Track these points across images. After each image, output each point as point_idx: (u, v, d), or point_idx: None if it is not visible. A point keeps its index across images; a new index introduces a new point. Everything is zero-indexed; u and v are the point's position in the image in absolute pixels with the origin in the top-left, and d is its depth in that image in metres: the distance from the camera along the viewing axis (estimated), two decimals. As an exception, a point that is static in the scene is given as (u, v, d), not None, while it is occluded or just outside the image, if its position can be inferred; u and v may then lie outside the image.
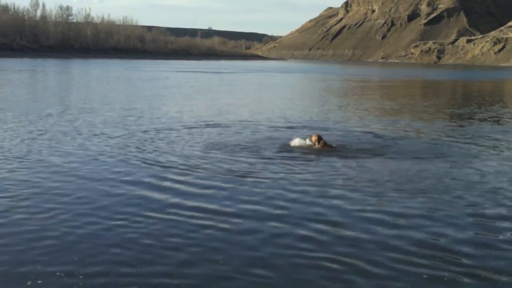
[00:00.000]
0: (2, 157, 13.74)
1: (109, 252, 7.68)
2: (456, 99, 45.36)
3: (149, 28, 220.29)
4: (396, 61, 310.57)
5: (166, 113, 24.93)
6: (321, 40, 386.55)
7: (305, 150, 15.39)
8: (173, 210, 9.67)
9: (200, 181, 11.80)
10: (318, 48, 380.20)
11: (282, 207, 10.05)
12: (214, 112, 25.81)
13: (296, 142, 16.03)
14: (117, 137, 17.39)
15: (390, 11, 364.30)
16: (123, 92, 37.65)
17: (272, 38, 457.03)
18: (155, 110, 26.10)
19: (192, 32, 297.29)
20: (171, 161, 13.81)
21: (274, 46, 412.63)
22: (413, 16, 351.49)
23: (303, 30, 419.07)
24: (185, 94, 38.10)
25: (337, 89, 50.73)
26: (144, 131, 18.60)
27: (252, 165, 13.53)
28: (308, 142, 15.81)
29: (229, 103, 31.73)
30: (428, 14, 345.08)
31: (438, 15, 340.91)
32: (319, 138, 15.77)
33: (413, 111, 30.68)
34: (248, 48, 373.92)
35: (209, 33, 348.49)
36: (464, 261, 7.69)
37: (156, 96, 35.01)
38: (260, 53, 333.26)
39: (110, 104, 28.44)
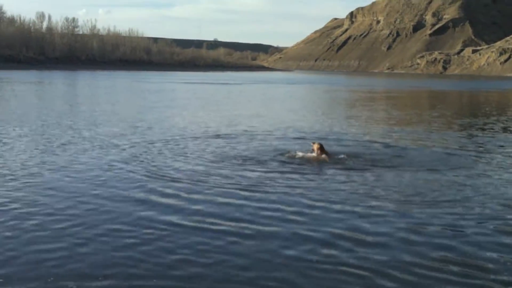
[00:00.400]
0: (12, 170, 13.69)
1: (122, 264, 7.55)
2: (464, 109, 45.16)
3: (155, 39, 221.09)
4: (402, 71, 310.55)
5: (177, 124, 24.93)
6: (326, 51, 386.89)
7: (310, 161, 15.35)
8: (180, 222, 9.57)
9: (208, 193, 11.69)
10: (324, 59, 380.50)
11: (291, 216, 9.93)
12: (224, 123, 25.72)
13: (299, 153, 16.03)
14: (130, 147, 17.46)
15: (395, 22, 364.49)
16: (134, 104, 37.71)
17: (278, 49, 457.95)
18: (165, 121, 26.10)
19: (198, 44, 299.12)
20: (181, 172, 13.73)
21: (280, 57, 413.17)
22: (418, 26, 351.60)
23: (309, 41, 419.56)
24: (194, 105, 38.25)
25: (345, 100, 50.60)
26: (153, 142, 18.55)
27: (257, 177, 13.39)
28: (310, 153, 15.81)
29: (239, 114, 31.68)
30: (433, 25, 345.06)
31: (443, 25, 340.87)
32: (321, 147, 15.72)
33: (422, 121, 30.46)
34: (254, 59, 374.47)
35: (214, 45, 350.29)
36: (490, 271, 7.59)
37: (166, 107, 35.04)
38: (266, 64, 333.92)
39: (122, 115, 28.52)
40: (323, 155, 15.57)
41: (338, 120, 29.18)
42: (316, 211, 10.39)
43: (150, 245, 8.31)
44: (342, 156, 16.05)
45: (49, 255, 7.84)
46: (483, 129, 26.33)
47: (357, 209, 10.61)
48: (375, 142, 19.95)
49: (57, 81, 72.66)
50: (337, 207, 10.74)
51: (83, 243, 8.35)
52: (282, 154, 16.35)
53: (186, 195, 11.39)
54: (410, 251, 8.28)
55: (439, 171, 14.51)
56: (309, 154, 15.78)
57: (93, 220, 9.57)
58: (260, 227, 9.30)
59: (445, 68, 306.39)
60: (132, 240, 8.52)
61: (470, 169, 14.86)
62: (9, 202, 10.63)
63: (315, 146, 15.75)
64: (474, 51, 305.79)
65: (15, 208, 10.20)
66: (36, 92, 49.58)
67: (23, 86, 54.90)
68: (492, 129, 26.47)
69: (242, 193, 11.70)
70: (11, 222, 9.34)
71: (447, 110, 41.21)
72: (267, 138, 20.45)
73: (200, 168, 14.22)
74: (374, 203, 11.07)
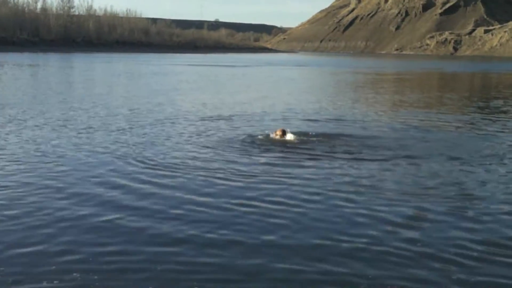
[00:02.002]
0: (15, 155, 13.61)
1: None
2: (479, 91, 44.86)
3: (154, 20, 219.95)
4: (411, 52, 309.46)
5: (188, 106, 25.49)
6: (332, 32, 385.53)
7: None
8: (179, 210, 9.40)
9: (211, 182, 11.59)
10: (330, 40, 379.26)
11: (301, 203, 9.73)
12: (238, 105, 26.33)
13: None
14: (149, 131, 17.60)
15: (404, 1, 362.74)
16: (140, 87, 37.53)
17: (282, 30, 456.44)
18: (176, 104, 26.61)
19: (199, 25, 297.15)
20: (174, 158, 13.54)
21: (284, 38, 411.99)
22: (428, 5, 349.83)
23: (314, 21, 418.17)
24: (204, 88, 38.84)
25: (353, 82, 50.29)
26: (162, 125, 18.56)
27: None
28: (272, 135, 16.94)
29: (249, 97, 32.07)
30: (444, 4, 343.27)
31: (454, 4, 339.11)
32: (283, 132, 16.76)
33: (437, 104, 30.21)
34: (256, 40, 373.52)
35: (216, 25, 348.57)
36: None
37: (174, 90, 35.66)
38: (269, 46, 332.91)
39: (133, 99, 28.63)
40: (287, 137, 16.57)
41: (353, 104, 29.00)
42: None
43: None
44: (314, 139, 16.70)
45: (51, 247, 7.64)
46: (505, 112, 26.07)
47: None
48: (400, 125, 20.18)
49: (53, 64, 72.26)
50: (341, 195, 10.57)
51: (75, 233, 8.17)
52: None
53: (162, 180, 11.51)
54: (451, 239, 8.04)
55: (460, 159, 14.30)
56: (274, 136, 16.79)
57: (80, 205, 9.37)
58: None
59: (456, 49, 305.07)
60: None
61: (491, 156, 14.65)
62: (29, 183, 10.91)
63: (278, 132, 16.78)
64: (486, 31, 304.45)
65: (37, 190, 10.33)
66: (36, 75, 49.27)
67: (21, 70, 54.48)
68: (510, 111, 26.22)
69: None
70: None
71: (461, 92, 40.98)
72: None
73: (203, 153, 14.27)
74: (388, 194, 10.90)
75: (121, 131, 17.89)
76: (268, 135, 17.05)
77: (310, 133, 17.86)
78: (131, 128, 18.72)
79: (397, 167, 13.21)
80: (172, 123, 20.17)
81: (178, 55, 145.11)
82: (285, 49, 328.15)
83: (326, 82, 51.24)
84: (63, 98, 28.38)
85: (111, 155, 14.15)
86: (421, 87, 47.05)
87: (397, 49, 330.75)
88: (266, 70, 73.08)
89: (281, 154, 14.54)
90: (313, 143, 16.07)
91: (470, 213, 9.69)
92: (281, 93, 36.72)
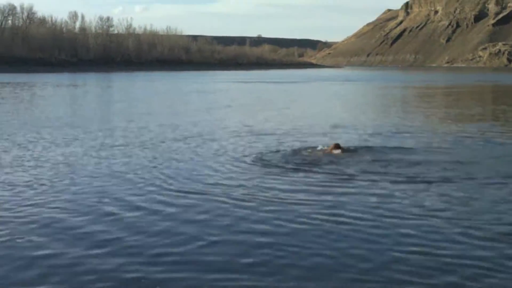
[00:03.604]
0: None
1: None
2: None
3: (195, 37, 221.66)
4: (463, 65, 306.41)
5: (246, 123, 25.48)
6: (379, 45, 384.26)
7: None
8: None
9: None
10: (377, 54, 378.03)
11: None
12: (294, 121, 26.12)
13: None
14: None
15: (455, 12, 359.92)
16: (193, 106, 37.57)
17: (327, 45, 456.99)
18: (230, 121, 26.80)
19: (241, 41, 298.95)
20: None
21: (329, 53, 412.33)
22: (480, 16, 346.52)
23: (360, 34, 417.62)
24: (255, 104, 39.48)
25: (406, 97, 49.44)
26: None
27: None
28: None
29: (303, 113, 32.26)
30: (497, 14, 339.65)
31: (508, 14, 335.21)
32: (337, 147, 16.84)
33: (497, 118, 29.22)
34: (301, 55, 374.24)
35: (258, 41, 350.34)
36: None
37: (226, 107, 36.21)
38: (314, 61, 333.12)
39: (192, 118, 28.37)
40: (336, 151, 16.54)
41: (403, 118, 28.26)
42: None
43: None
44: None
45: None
46: None
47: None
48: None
49: (93, 83, 72.87)
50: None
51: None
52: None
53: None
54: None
55: None
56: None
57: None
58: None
59: (510, 61, 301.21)
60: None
61: None
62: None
63: (331, 146, 16.85)
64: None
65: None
66: (80, 95, 49.50)
67: (63, 90, 54.80)
68: None
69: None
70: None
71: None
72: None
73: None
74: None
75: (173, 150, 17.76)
76: (321, 149, 16.95)
77: (366, 148, 17.65)
78: (186, 145, 18.97)
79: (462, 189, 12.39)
80: (228, 138, 20.55)
81: (219, 72, 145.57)
82: (330, 64, 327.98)
83: (377, 97, 50.42)
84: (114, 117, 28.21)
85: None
86: (482, 101, 45.97)
87: (448, 62, 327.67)
88: (316, 86, 72.76)
89: (331, 171, 14.15)
90: (367, 160, 15.60)
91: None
92: (333, 108, 36.45)
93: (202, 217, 10.32)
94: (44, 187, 12.72)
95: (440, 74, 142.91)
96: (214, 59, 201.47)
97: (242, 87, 66.76)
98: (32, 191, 12.31)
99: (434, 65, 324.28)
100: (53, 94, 48.52)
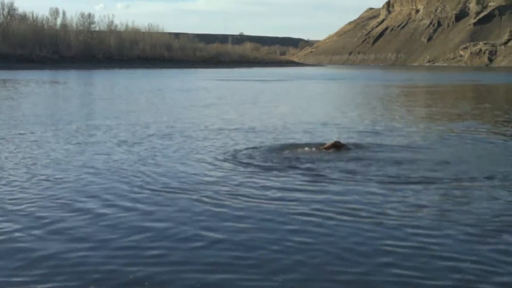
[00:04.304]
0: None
1: None
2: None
3: (177, 35, 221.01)
4: (444, 64, 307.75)
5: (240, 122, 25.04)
6: (361, 44, 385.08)
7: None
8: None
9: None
10: (359, 53, 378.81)
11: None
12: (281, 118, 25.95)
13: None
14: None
15: (436, 11, 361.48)
16: (179, 106, 37.03)
17: (309, 43, 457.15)
18: (221, 119, 26.57)
19: (223, 38, 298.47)
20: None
21: (311, 51, 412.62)
22: (461, 15, 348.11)
23: (342, 33, 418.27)
24: (248, 103, 38.77)
25: (389, 96, 49.49)
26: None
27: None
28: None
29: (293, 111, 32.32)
30: (478, 13, 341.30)
31: (489, 13, 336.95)
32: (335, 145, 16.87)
33: (480, 117, 29.35)
34: (283, 54, 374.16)
35: (240, 39, 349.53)
36: None
37: (209, 105, 35.94)
38: (296, 59, 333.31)
39: (176, 119, 27.92)
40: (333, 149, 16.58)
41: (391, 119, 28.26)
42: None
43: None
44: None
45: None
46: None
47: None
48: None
49: (74, 80, 72.44)
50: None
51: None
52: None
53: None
54: None
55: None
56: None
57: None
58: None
59: (491, 60, 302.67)
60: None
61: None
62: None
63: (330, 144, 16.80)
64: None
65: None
66: (59, 92, 49.17)
67: (42, 88, 54.42)
68: None
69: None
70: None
71: (502, 105, 40.11)
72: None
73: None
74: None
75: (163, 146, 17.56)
76: (317, 146, 17.01)
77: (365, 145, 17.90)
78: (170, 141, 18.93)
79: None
80: (218, 134, 20.73)
81: (201, 70, 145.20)
82: (312, 62, 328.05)
83: (362, 96, 50.38)
84: (88, 115, 28.04)
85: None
86: (464, 100, 46.18)
87: (429, 61, 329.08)
88: (300, 84, 72.99)
89: (326, 169, 14.06)
90: (367, 158, 15.62)
91: None
92: (320, 107, 36.54)
93: (175, 215, 10.30)
94: (15, 184, 12.70)
95: (422, 73, 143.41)
96: (196, 57, 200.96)
97: (225, 85, 66.55)
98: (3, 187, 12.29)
99: (415, 64, 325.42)
100: (32, 92, 47.95)
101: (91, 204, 11.01)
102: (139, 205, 10.96)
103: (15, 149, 17.36)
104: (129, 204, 11.02)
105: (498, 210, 10.55)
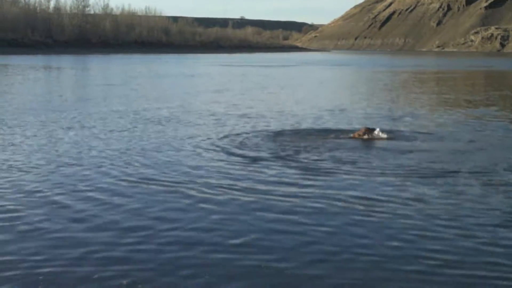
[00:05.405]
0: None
1: None
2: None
3: (175, 19, 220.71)
4: (454, 49, 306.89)
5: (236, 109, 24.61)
6: (368, 28, 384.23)
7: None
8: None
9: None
10: (365, 37, 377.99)
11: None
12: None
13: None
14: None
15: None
16: (174, 90, 36.89)
17: (313, 27, 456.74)
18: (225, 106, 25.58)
19: (223, 23, 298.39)
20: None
21: (315, 36, 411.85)
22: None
23: (348, 17, 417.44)
24: (255, 89, 38.99)
25: (405, 82, 49.22)
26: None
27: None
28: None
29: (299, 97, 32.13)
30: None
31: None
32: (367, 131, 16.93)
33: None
34: (286, 38, 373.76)
35: (241, 23, 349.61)
36: None
37: (213, 92, 35.61)
38: (299, 44, 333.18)
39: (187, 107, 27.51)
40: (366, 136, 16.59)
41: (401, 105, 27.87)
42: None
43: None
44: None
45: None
46: None
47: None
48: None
49: (68, 65, 71.87)
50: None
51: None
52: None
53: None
54: None
55: None
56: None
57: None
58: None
59: (503, 45, 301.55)
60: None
61: None
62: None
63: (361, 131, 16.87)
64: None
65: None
66: (53, 79, 48.70)
67: (36, 74, 53.92)
68: None
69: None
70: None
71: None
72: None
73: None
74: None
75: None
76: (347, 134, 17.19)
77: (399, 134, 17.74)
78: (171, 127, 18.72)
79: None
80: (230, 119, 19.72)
81: (201, 55, 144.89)
82: (317, 47, 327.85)
83: (374, 83, 49.92)
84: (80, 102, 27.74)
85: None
86: (478, 86, 45.78)
87: (438, 46, 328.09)
88: (305, 70, 72.69)
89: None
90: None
91: None
92: (334, 93, 36.22)
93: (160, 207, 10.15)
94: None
95: (431, 59, 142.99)
96: (195, 41, 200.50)
97: (228, 70, 66.16)
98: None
99: (424, 49, 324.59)
100: (25, 78, 47.44)
101: (71, 199, 10.76)
102: (118, 198, 10.79)
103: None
104: (106, 197, 10.83)
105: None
